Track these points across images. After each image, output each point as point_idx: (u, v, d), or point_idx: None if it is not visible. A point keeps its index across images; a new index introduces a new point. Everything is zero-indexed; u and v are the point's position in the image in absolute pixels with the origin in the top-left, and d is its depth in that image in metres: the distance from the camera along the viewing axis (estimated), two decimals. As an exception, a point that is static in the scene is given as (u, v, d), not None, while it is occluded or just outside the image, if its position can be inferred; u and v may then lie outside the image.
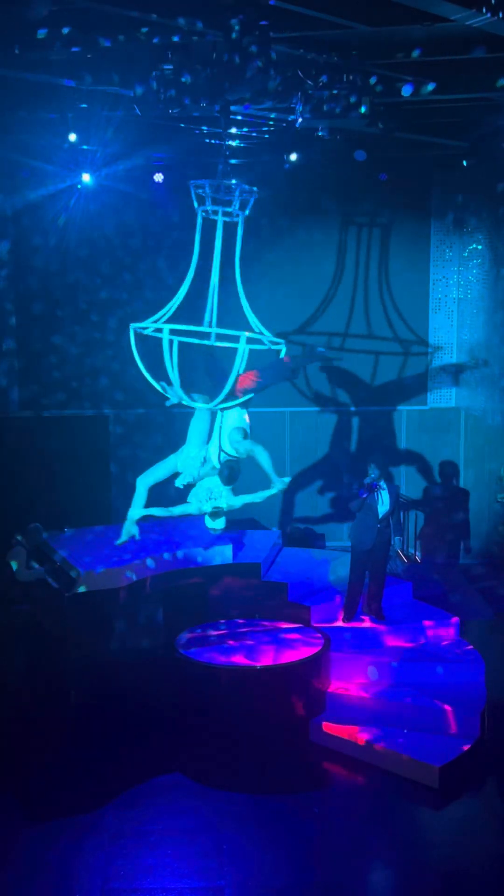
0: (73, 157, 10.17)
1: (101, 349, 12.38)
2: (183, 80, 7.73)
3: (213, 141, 9.95)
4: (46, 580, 9.87)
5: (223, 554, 10.56)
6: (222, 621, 10.25)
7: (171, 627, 10.01)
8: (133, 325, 8.92)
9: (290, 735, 8.79)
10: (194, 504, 9.33)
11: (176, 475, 9.43)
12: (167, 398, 9.22)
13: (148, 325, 8.72)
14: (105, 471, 12.31)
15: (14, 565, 9.79)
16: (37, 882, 6.87)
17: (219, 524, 9.38)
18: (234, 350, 8.46)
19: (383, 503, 9.77)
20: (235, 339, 8.67)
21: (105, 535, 10.89)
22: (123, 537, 9.91)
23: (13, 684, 9.46)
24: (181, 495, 9.34)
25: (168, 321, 8.70)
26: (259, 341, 9.03)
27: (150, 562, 10.09)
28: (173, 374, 8.58)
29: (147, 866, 7.05)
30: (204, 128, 9.64)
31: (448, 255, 12.83)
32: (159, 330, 8.58)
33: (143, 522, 11.35)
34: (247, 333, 8.57)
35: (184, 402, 9.12)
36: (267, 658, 9.20)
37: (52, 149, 9.99)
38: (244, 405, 9.38)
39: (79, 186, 10.85)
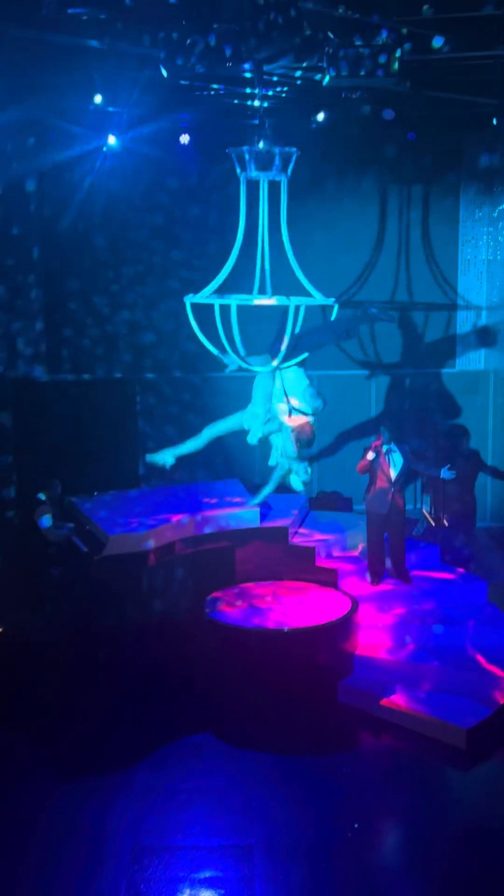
0: (99, 118, 10.12)
1: (127, 313, 12.36)
2: (209, 38, 7.67)
3: (237, 101, 9.87)
4: (76, 543, 9.98)
5: (250, 518, 10.62)
6: (250, 584, 10.30)
7: (199, 590, 10.08)
8: (188, 298, 9.02)
9: (318, 696, 8.83)
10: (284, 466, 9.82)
11: (241, 432, 9.88)
12: (225, 365, 9.36)
13: (202, 297, 8.91)
14: (133, 436, 12.35)
15: (44, 522, 9.89)
16: (70, 840, 6.98)
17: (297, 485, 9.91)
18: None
19: (395, 466, 9.77)
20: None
21: (133, 500, 10.99)
22: (160, 460, 10.04)
23: (44, 647, 9.56)
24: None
25: (217, 288, 8.82)
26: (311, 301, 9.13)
27: (177, 525, 10.16)
28: (237, 340, 8.70)
29: (177, 824, 7.14)
30: (231, 88, 9.56)
31: (478, 215, 12.67)
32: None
33: (172, 486, 11.52)
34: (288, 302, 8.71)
35: (242, 367, 9.25)
36: (295, 621, 9.25)
37: (79, 110, 9.94)
38: (301, 364, 9.57)
39: (104, 149, 10.80)
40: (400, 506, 9.96)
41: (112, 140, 10.53)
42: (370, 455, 9.72)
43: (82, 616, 9.66)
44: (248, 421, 9.77)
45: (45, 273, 11.85)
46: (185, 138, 10.97)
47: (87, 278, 12.07)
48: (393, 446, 9.81)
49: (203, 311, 9.04)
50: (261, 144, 8.88)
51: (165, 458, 10.14)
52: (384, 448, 9.78)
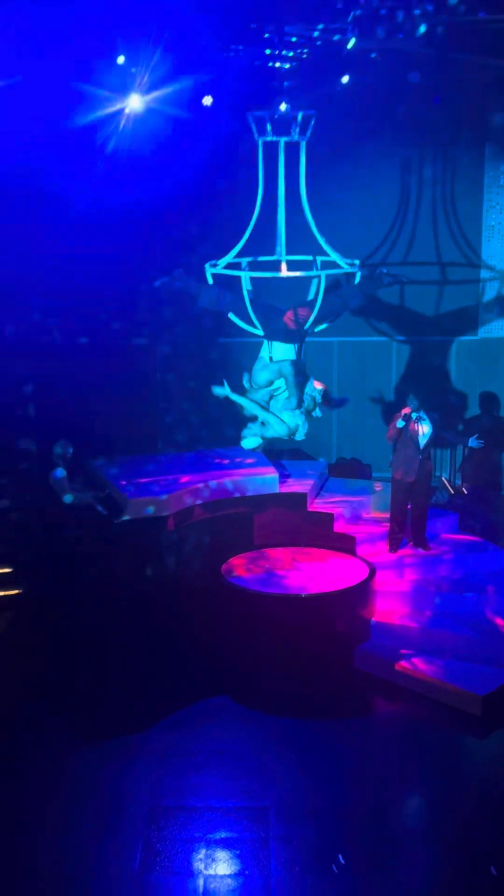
0: (122, 80, 10.00)
1: (150, 276, 12.28)
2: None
3: (259, 63, 9.76)
4: (95, 507, 9.97)
5: (269, 483, 10.62)
6: (268, 550, 10.31)
7: (218, 555, 10.10)
8: (208, 266, 9.02)
9: (334, 662, 8.86)
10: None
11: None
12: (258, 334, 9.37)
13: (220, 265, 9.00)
14: (153, 401, 12.34)
15: (59, 488, 9.85)
16: (89, 800, 7.07)
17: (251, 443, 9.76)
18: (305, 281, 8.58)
19: (423, 434, 9.74)
20: (307, 267, 8.82)
21: (153, 464, 10.99)
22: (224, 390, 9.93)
23: (63, 610, 9.63)
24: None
25: (237, 255, 8.81)
26: (334, 265, 9.07)
27: (196, 490, 10.19)
28: (250, 310, 8.75)
29: (194, 785, 7.21)
30: (254, 49, 9.46)
31: (503, 181, 12.51)
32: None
33: (191, 452, 11.56)
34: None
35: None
36: (312, 586, 9.27)
37: (101, 72, 9.83)
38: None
39: (127, 111, 10.68)
40: (427, 474, 9.94)
41: (135, 101, 10.41)
42: (399, 422, 9.67)
43: (101, 579, 9.69)
44: (289, 419, 9.68)
45: (67, 233, 11.75)
46: (207, 100, 10.83)
47: (110, 240, 11.89)
48: (422, 413, 9.79)
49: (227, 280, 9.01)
50: (282, 107, 8.79)
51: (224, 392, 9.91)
52: (413, 416, 9.75)
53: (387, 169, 12.33)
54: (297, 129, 8.76)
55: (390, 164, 12.33)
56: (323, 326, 9.50)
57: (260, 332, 9.24)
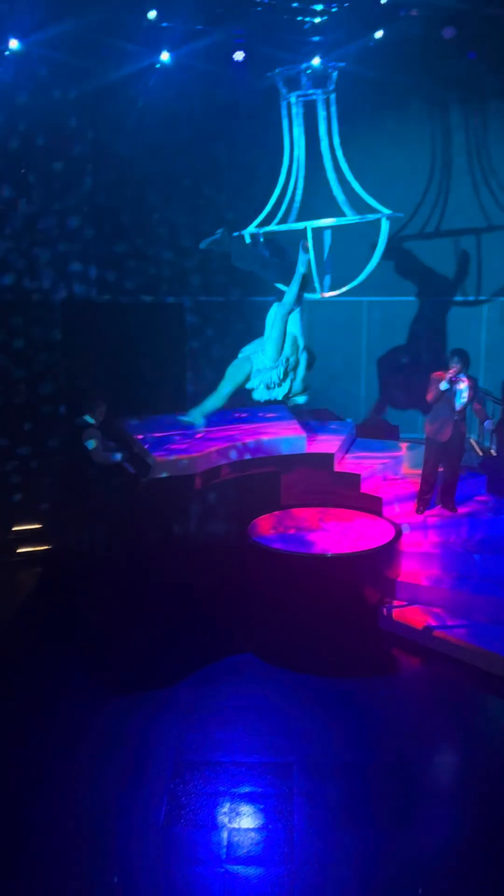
0: (153, 35, 9.86)
1: (179, 235, 12.21)
2: None
3: (288, 17, 9.60)
4: (123, 466, 9.97)
5: (297, 444, 10.57)
6: (294, 510, 10.30)
7: (244, 515, 10.10)
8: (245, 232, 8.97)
9: (359, 622, 8.88)
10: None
11: None
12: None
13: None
14: (181, 360, 12.29)
15: (90, 444, 9.86)
16: (115, 753, 7.09)
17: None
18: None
19: (460, 396, 9.67)
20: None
21: (181, 423, 10.75)
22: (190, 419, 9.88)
23: (92, 566, 9.67)
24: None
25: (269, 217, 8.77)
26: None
27: (224, 450, 10.16)
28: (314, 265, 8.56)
29: (219, 740, 7.23)
30: (285, 3, 9.32)
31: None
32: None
33: (219, 413, 11.47)
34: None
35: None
36: (338, 546, 9.26)
37: (132, 26, 9.69)
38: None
39: (158, 66, 10.55)
40: (461, 435, 9.89)
41: (166, 57, 10.28)
42: (443, 385, 9.57)
43: (129, 537, 9.74)
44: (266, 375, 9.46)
45: (96, 196, 11.66)
46: (239, 55, 10.67)
47: (138, 202, 11.85)
48: (462, 375, 9.66)
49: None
50: (313, 62, 8.63)
51: (195, 417, 9.93)
52: (456, 377, 9.60)
53: (420, 126, 12.11)
54: (329, 85, 8.59)
55: (424, 121, 12.11)
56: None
57: (318, 292, 9.07)
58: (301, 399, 9.05)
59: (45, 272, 11.38)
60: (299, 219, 9.10)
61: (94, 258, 11.78)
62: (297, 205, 9.03)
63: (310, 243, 8.40)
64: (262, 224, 9.13)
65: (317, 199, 9.17)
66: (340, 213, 8.94)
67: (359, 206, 9.07)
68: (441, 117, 12.10)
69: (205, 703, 7.75)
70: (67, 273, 11.55)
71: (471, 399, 9.74)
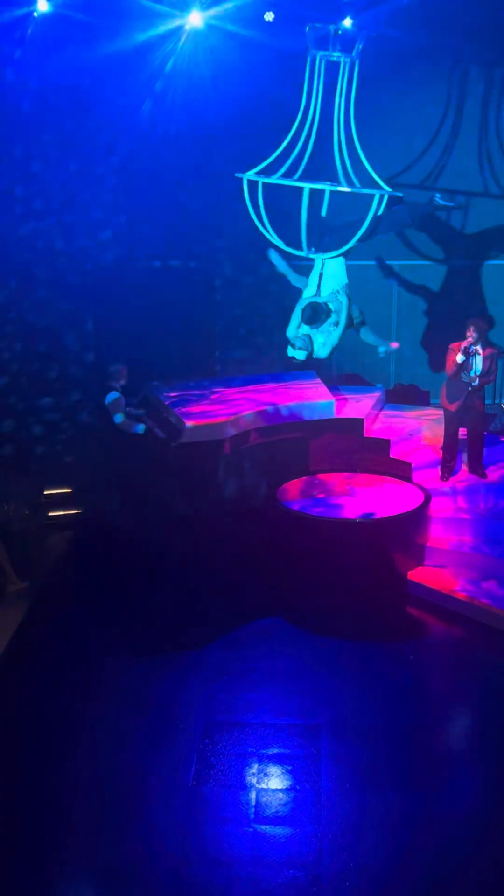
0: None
1: (208, 198, 12.12)
2: None
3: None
4: (153, 430, 10.00)
5: (326, 409, 10.53)
6: (323, 475, 10.28)
7: (273, 480, 10.10)
8: (246, 175, 8.96)
9: (387, 587, 8.86)
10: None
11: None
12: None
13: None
14: (211, 323, 12.28)
15: (118, 419, 9.87)
16: (144, 713, 7.16)
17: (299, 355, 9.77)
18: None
19: (476, 364, 9.52)
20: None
21: (211, 388, 11.01)
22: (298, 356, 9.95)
23: (121, 530, 9.71)
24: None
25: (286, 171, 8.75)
26: (374, 187, 9.05)
27: (253, 415, 10.14)
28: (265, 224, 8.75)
29: (248, 702, 7.27)
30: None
31: None
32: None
33: (248, 376, 11.57)
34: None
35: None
36: (367, 512, 9.26)
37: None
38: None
39: (186, 28, 10.41)
40: (478, 402, 9.73)
41: (195, 18, 10.14)
42: (459, 358, 9.43)
43: (158, 502, 9.76)
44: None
45: (122, 160, 11.60)
46: (269, 16, 10.53)
47: (166, 167, 11.77)
48: (479, 345, 9.50)
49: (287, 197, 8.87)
50: (346, 22, 8.50)
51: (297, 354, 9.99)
52: (471, 347, 9.48)
53: (445, 87, 11.92)
54: (356, 47, 8.49)
55: (449, 82, 11.91)
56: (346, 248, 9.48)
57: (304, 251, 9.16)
58: (323, 353, 9.36)
59: (76, 230, 11.43)
60: (304, 177, 9.13)
61: (122, 224, 11.76)
62: (305, 161, 8.97)
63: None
64: (261, 173, 9.12)
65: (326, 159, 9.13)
66: (346, 180, 8.94)
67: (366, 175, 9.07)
68: (462, 79, 11.88)
69: (233, 664, 7.78)
70: (95, 240, 11.58)
71: (487, 370, 9.55)
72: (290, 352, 9.79)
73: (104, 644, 8.14)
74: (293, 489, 9.87)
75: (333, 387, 11.30)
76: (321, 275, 9.82)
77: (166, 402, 10.39)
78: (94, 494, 10.55)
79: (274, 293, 12.19)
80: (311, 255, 9.43)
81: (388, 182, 9.56)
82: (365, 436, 10.51)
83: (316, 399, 10.60)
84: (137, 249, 11.87)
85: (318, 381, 11.21)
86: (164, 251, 11.96)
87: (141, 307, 11.52)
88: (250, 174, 9.27)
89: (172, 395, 10.69)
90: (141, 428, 9.98)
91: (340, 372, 12.38)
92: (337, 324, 9.74)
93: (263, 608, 8.65)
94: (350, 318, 9.87)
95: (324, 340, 9.70)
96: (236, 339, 12.43)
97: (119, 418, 9.85)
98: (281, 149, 9.07)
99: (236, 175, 9.12)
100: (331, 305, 9.72)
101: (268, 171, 9.26)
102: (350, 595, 8.65)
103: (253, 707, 7.23)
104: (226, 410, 10.10)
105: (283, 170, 9.11)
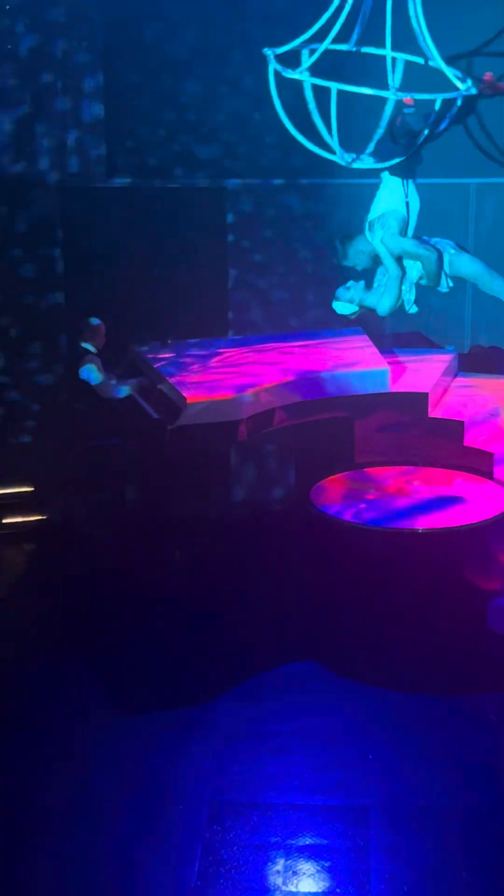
0: None
1: (213, 92, 12.10)
2: None
3: None
4: (142, 407, 10.09)
5: (378, 379, 10.52)
6: (374, 469, 10.35)
7: (306, 475, 10.30)
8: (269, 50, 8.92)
9: (460, 620, 8.88)
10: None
11: None
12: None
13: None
14: (221, 264, 12.29)
15: (93, 377, 10.00)
16: (135, 791, 7.14)
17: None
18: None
19: None
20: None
21: (221, 352, 11.01)
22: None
23: (100, 542, 9.89)
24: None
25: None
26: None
27: (278, 387, 10.16)
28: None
29: (270, 775, 7.24)
30: None
31: None
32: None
33: (273, 335, 11.65)
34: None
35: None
36: (432, 519, 9.27)
37: None
38: None
39: None
40: None
41: None
42: None
43: (150, 504, 9.95)
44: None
45: (105, 51, 11.72)
46: None
47: (158, 59, 11.85)
48: None
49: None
50: None
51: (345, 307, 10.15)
52: None
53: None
54: None
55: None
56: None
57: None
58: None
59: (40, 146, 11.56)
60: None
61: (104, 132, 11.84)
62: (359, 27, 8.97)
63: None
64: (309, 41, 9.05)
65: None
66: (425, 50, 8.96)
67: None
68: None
69: (251, 725, 7.78)
70: (67, 151, 11.69)
71: None
72: (338, 306, 9.95)
73: (77, 698, 8.14)
74: (333, 489, 9.97)
75: (387, 349, 11.32)
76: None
77: (159, 369, 10.40)
78: (62, 495, 10.72)
79: (307, 231, 12.30)
80: (348, 163, 9.38)
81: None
82: (430, 416, 10.53)
83: (364, 365, 10.60)
84: (118, 157, 11.93)
85: (367, 339, 11.20)
86: (154, 164, 12.03)
87: (123, 241, 11.65)
88: (287, 47, 9.15)
89: (166, 356, 10.74)
90: (124, 391, 10.09)
91: (396, 329, 12.37)
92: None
93: (293, 648, 8.69)
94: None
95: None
96: (255, 295, 12.48)
97: (95, 378, 9.97)
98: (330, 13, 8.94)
99: (266, 51, 9.10)
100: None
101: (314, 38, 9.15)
102: (411, 631, 8.69)
103: (277, 782, 7.20)
104: (241, 381, 10.12)
105: (331, 36, 8.95)
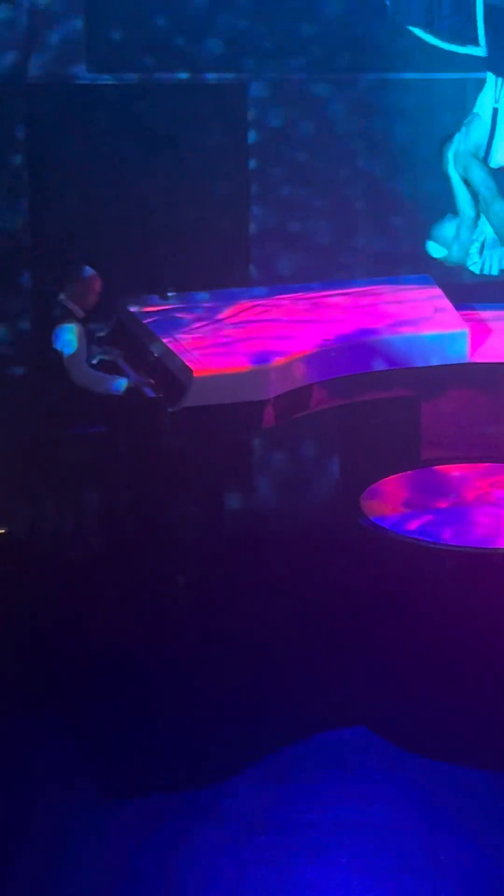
0: None
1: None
2: None
3: None
4: (136, 384, 10.12)
5: (454, 344, 10.56)
6: (445, 467, 10.59)
7: (354, 475, 10.59)
8: None
9: None
10: None
11: None
12: None
13: None
14: (239, 185, 12.32)
15: (68, 348, 10.04)
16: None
17: None
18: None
19: None
20: None
21: (239, 308, 11.14)
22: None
23: (74, 564, 10.12)
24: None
25: None
26: None
27: (316, 356, 10.11)
28: None
29: (307, 882, 7.05)
30: None
31: None
32: None
33: (310, 284, 11.95)
34: None
35: None
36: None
37: None
38: None
39: None
40: None
41: None
42: None
43: (145, 513, 10.09)
44: None
45: None
46: None
47: None
48: None
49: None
50: None
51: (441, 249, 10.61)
52: None
53: None
54: None
55: None
56: None
57: None
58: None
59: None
60: None
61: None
62: None
63: None
64: None
65: None
66: None
67: None
68: None
69: (279, 815, 7.61)
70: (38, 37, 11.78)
71: None
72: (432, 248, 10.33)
73: (50, 771, 8.04)
74: (391, 494, 10.14)
75: (464, 304, 11.32)
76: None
77: (155, 331, 10.41)
78: (29, 502, 10.86)
79: (354, 151, 12.30)
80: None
81: None
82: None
83: (434, 326, 10.68)
84: (104, 50, 11.97)
85: (438, 290, 11.25)
86: (157, 56, 12.04)
87: (111, 154, 11.70)
88: None
89: (165, 313, 10.85)
90: (122, 385, 10.12)
91: (473, 277, 12.34)
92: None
93: (334, 707, 8.58)
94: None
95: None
96: (285, 239, 12.54)
97: (80, 367, 10.05)
98: None
99: None
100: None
101: None
102: (496, 685, 8.65)
103: (316, 890, 7.00)
104: (266, 346, 10.16)
105: None
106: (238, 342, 10.24)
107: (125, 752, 8.24)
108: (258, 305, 11.03)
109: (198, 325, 10.58)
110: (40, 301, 10.58)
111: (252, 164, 12.37)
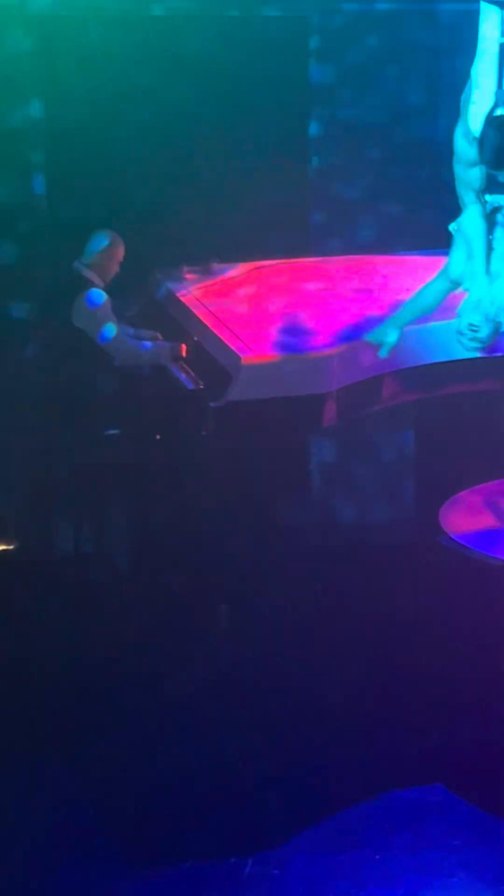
0: None
1: None
2: None
3: None
4: (172, 372, 10.02)
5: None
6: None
7: (433, 484, 10.59)
8: None
9: None
10: None
11: None
12: None
13: None
14: (298, 193, 12.16)
15: (107, 331, 9.93)
16: None
17: None
18: None
19: None
20: None
21: (296, 284, 11.06)
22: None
23: (91, 586, 10.23)
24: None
25: None
26: None
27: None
28: None
29: None
30: None
31: None
32: None
33: (379, 258, 11.96)
34: None
35: None
36: None
37: None
38: None
39: None
40: None
41: None
42: None
43: (180, 525, 10.09)
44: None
45: None
46: None
47: None
48: None
49: None
50: None
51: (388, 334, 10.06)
52: None
53: None
54: None
55: None
56: None
57: None
58: None
59: None
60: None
61: None
62: None
63: None
64: None
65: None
66: None
67: None
68: None
69: (338, 890, 7.05)
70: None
71: None
72: None
73: (59, 832, 7.64)
74: (476, 507, 10.05)
75: None
76: None
77: (195, 311, 10.22)
78: (42, 517, 10.99)
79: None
80: None
81: None
82: None
83: None
84: None
85: None
86: None
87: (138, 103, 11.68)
88: None
89: (204, 285, 10.81)
90: (148, 346, 10.17)
91: None
92: None
93: (406, 760, 8.12)
94: None
95: None
96: (344, 210, 12.62)
97: (110, 331, 9.96)
98: None
99: None
100: None
101: None
102: None
103: None
104: (328, 327, 9.92)
105: None
106: (294, 322, 9.97)
107: (154, 808, 7.83)
108: (319, 279, 10.84)
109: (245, 301, 10.43)
110: (56, 273, 10.51)
111: (311, 131, 12.34)
